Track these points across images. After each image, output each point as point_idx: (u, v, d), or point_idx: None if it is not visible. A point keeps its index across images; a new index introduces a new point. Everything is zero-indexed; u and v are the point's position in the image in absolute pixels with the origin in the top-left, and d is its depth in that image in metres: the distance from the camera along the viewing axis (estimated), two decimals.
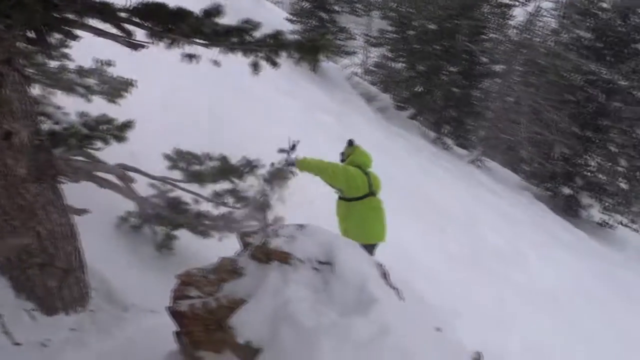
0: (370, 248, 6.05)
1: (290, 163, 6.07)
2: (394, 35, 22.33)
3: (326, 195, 6.84)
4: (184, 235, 6.24)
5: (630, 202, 22.14)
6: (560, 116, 19.79)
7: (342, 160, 6.71)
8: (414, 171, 14.71)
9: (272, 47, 4.05)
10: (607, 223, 21.44)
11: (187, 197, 5.99)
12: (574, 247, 17.86)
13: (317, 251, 3.53)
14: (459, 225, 13.27)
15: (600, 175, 20.49)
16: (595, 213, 21.29)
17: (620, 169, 20.60)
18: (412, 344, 2.43)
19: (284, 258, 3.54)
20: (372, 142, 14.48)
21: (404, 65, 22.70)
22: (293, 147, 6.22)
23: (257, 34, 4.02)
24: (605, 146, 20.59)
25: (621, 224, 21.91)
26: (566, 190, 21.28)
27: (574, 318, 12.88)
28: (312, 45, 4.06)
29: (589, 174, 20.57)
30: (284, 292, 3.18)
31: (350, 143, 6.72)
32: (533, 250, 15.03)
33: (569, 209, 21.71)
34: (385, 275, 3.63)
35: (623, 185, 20.74)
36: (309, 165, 6.11)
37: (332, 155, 11.62)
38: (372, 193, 6.30)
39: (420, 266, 10.15)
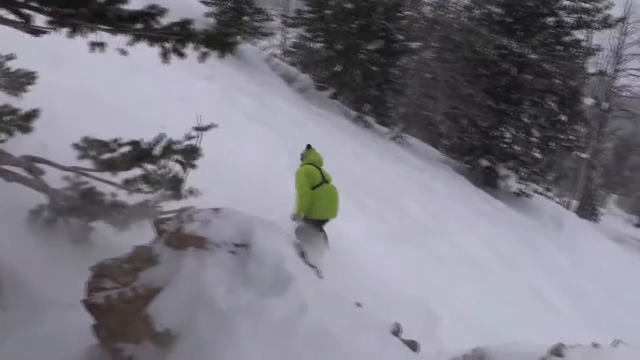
0: (322, 223, 8.10)
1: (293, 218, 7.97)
2: (311, 15, 22.21)
3: None
4: (100, 227, 6.01)
5: (545, 171, 23.05)
6: (476, 90, 20.28)
7: (302, 159, 8.63)
8: (337, 150, 14.73)
9: (179, 36, 3.90)
10: (524, 192, 22.23)
11: (101, 187, 5.77)
12: (494, 217, 18.43)
13: (233, 234, 3.46)
14: (384, 200, 13.42)
15: (515, 147, 21.16)
16: (513, 183, 22.02)
17: (533, 139, 21.36)
18: (330, 321, 2.41)
19: (200, 243, 3.47)
20: (293, 123, 14.46)
21: (322, 45, 22.64)
22: (207, 128, 6.30)
23: (165, 20, 3.87)
24: (519, 118, 21.28)
25: (536, 192, 22.78)
26: (484, 163, 21.89)
27: (497, 285, 13.32)
28: (220, 39, 3.95)
29: (504, 145, 21.20)
30: (200, 277, 3.11)
31: (309, 147, 8.72)
32: (456, 222, 15.42)
33: (487, 181, 22.39)
34: (302, 255, 3.60)
35: (537, 155, 21.53)
36: (301, 208, 7.91)
37: (250, 134, 11.53)
38: (325, 181, 8.05)
39: (349, 242, 10.20)
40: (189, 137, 5.86)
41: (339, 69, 21.57)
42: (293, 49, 31.65)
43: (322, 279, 3.75)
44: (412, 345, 3.08)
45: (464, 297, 11.09)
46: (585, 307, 17.25)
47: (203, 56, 4.06)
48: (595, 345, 5.32)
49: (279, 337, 2.37)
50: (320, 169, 8.17)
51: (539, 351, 5.05)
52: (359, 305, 3.68)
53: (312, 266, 3.54)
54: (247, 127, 12.03)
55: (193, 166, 5.83)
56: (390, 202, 13.47)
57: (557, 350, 5.03)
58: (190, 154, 5.69)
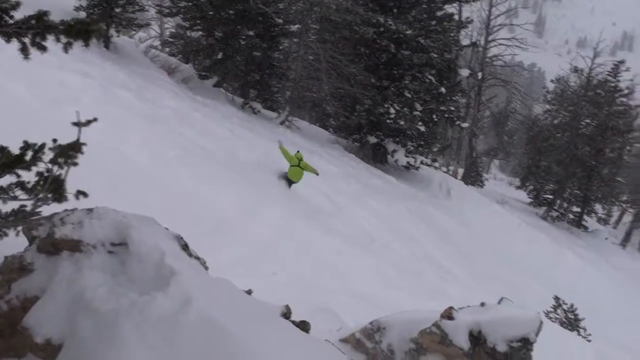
0: (291, 183, 13.62)
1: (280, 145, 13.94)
2: (187, 3, 21.68)
3: None
4: None
5: (430, 142, 23.84)
6: (358, 69, 20.60)
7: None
8: (225, 140, 14.55)
9: (36, 30, 3.65)
10: (412, 165, 22.91)
11: None
12: (386, 191, 18.87)
13: (109, 233, 3.33)
14: (278, 186, 13.40)
15: (400, 121, 21.70)
16: (401, 157, 22.62)
17: (417, 113, 21.99)
18: (216, 311, 2.35)
19: (74, 246, 3.30)
20: (178, 114, 14.11)
21: (201, 33, 22.20)
22: (86, 124, 5.97)
23: (19, 14, 3.60)
24: (402, 93, 21.84)
25: (424, 164, 23.54)
26: (372, 139, 22.36)
27: (393, 257, 13.67)
28: (81, 28, 3.72)
29: (390, 121, 21.69)
30: (78, 281, 2.96)
31: (298, 151, 14.02)
32: (349, 200, 15.66)
33: (377, 157, 22.89)
34: (185, 247, 3.50)
35: (421, 128, 22.21)
36: (286, 154, 13.61)
37: (134, 129, 11.15)
38: (299, 166, 13.40)
39: (247, 232, 10.13)
40: (67, 135, 5.51)
41: (220, 57, 21.24)
42: (172, 39, 30.82)
43: (208, 268, 3.64)
44: (303, 326, 3.07)
45: (362, 273, 11.30)
46: (477, 269, 18.10)
47: (66, 47, 3.81)
48: (483, 304, 5.57)
49: (163, 333, 2.28)
50: (299, 160, 13.44)
51: (432, 316, 5.23)
52: (249, 292, 3.62)
53: (197, 258, 3.44)
54: (129, 122, 11.61)
55: (75, 164, 5.49)
56: (282, 187, 13.47)
57: (447, 313, 5.23)
58: (69, 153, 5.35)
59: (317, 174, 14.13)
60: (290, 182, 13.57)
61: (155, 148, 10.93)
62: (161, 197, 8.79)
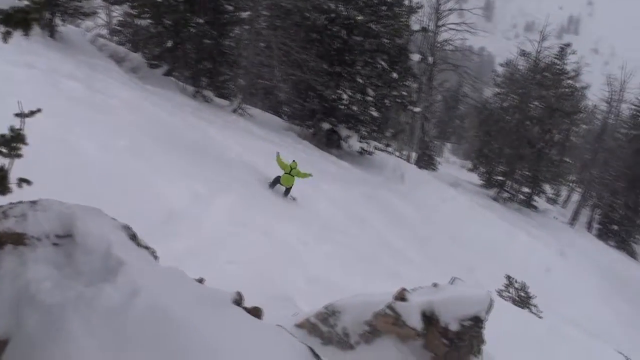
0: (288, 190, 14.75)
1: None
2: None
3: None
4: None
5: (383, 128, 24.02)
6: (310, 55, 20.57)
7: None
8: (176, 129, 14.39)
9: None
10: (366, 150, 23.07)
11: None
12: (340, 177, 18.96)
13: (54, 225, 3.26)
14: (237, 173, 13.36)
15: (353, 107, 21.80)
16: (355, 143, 22.75)
17: (369, 98, 22.13)
18: (165, 301, 2.34)
19: (18, 239, 3.22)
20: (127, 104, 13.88)
21: (149, 21, 21.80)
22: (29, 114, 5.84)
23: None
24: (354, 79, 21.93)
25: (378, 149, 23.74)
26: (326, 126, 22.41)
27: (349, 243, 13.79)
28: (20, 16, 3.64)
29: (343, 107, 21.77)
30: (23, 275, 2.89)
31: (293, 161, 14.94)
32: (304, 186, 15.68)
33: (331, 143, 22.97)
34: (133, 237, 3.47)
35: (374, 114, 22.36)
36: (280, 163, 14.61)
37: (82, 120, 10.93)
38: (289, 174, 14.43)
39: (201, 221, 10.08)
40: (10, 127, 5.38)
41: (170, 45, 20.93)
42: (120, 28, 30.24)
43: (158, 257, 3.63)
44: (255, 312, 3.09)
45: (318, 259, 11.38)
46: (432, 251, 18.39)
47: (5, 36, 3.71)
48: (435, 285, 5.69)
49: (112, 325, 2.26)
50: (290, 167, 14.59)
51: (386, 298, 5.32)
52: (200, 280, 3.62)
53: (146, 247, 3.42)
54: (77, 113, 11.37)
55: (18, 156, 5.36)
56: (237, 174, 13.43)
57: (400, 295, 5.33)
58: (12, 145, 5.22)
59: (311, 176, 15.35)
60: (286, 190, 14.87)
61: (104, 139, 10.74)
62: (111, 188, 8.67)
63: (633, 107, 43.67)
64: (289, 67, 20.63)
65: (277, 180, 14.77)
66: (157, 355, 2.01)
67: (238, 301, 3.06)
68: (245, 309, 2.99)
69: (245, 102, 22.39)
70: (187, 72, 21.98)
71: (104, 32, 30.14)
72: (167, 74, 21.69)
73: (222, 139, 15.76)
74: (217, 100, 22.26)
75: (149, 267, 2.93)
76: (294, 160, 14.87)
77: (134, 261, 2.70)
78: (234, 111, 21.13)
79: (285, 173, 14.53)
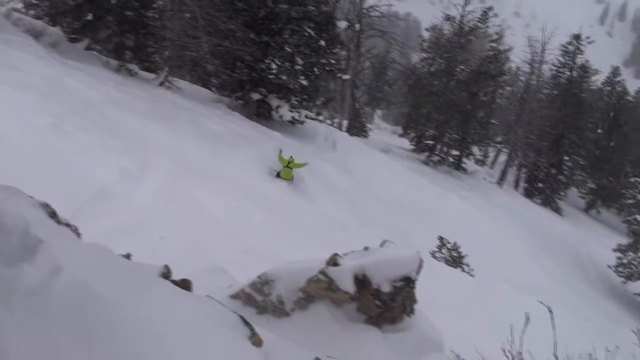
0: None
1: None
2: None
3: None
4: None
5: (313, 96, 24.00)
6: (236, 25, 20.24)
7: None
8: (99, 104, 13.98)
9: None
10: (297, 119, 23.03)
11: None
12: (271, 149, 18.90)
13: None
14: (160, 147, 13.13)
15: (282, 76, 21.67)
16: (286, 112, 22.66)
17: (298, 67, 22.03)
18: (89, 278, 2.30)
19: None
20: (49, 81, 13.39)
21: None
22: None
23: None
24: (282, 48, 21.76)
25: (309, 118, 23.73)
26: (255, 96, 22.23)
27: (285, 213, 13.86)
28: None
29: (272, 76, 21.62)
30: None
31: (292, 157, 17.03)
32: (236, 157, 15.60)
33: (261, 113, 22.83)
34: (53, 214, 3.39)
35: (304, 82, 22.30)
36: (280, 159, 16.72)
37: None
38: (287, 166, 16.39)
39: (131, 198, 9.92)
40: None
41: (90, 18, 20.18)
42: (35, 1, 28.91)
43: (80, 235, 3.57)
44: (184, 284, 3.09)
45: (254, 230, 11.40)
46: (367, 217, 18.66)
47: None
48: (366, 248, 5.80)
49: (33, 306, 2.22)
50: (288, 161, 16.64)
51: (318, 264, 5.38)
52: (127, 256, 3.59)
53: (67, 225, 3.35)
54: None
55: None
56: (166, 148, 13.21)
57: (332, 260, 5.40)
58: None
59: (308, 164, 17.61)
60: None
61: (24, 117, 10.36)
62: (33, 169, 8.41)
63: (553, 67, 45.17)
64: (215, 37, 20.25)
65: (278, 175, 16.66)
66: (79, 331, 1.99)
67: (166, 274, 3.04)
68: (174, 281, 2.98)
69: (172, 75, 21.93)
70: (110, 45, 21.28)
71: (19, 6, 28.79)
72: (89, 48, 20.94)
73: (149, 113, 15.42)
74: (143, 73, 21.71)
75: (71, 245, 2.87)
76: (291, 156, 17.01)
77: (53, 239, 2.63)
78: (161, 84, 20.68)
79: (283, 167, 16.59)
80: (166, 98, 18.76)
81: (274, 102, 22.57)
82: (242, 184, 14.16)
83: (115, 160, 10.88)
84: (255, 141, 18.64)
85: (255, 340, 2.75)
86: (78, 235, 3.36)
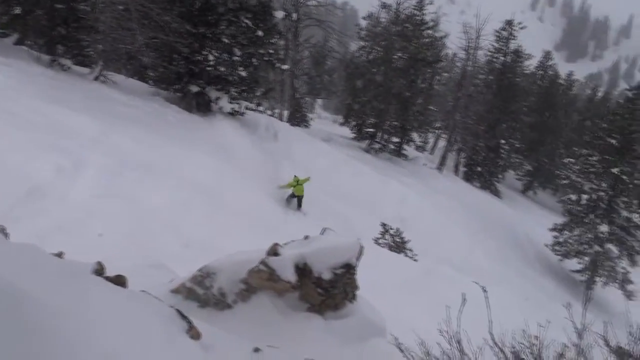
0: (300, 199, 18.53)
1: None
2: None
3: None
4: None
5: (252, 88, 23.86)
6: (172, 17, 19.90)
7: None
8: (31, 100, 13.58)
9: None
10: (237, 111, 22.86)
11: None
12: (210, 141, 18.77)
13: None
14: (96, 142, 12.85)
15: (220, 68, 21.46)
16: (225, 104, 22.45)
17: (236, 58, 21.85)
18: (18, 277, 2.25)
19: None
20: None
21: None
22: None
23: None
24: (219, 39, 21.52)
25: (249, 109, 23.59)
26: (194, 88, 21.93)
27: (223, 206, 13.78)
28: None
29: (210, 68, 21.38)
30: None
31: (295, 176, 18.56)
32: (175, 151, 15.42)
33: (200, 106, 22.56)
34: None
35: (242, 73, 22.13)
36: (287, 186, 18.46)
37: None
38: (299, 184, 18.20)
39: (66, 194, 9.70)
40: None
41: (18, 12, 19.50)
42: None
43: (8, 234, 3.49)
44: (118, 280, 3.06)
45: (195, 223, 11.32)
46: (309, 205, 18.73)
47: None
48: (306, 237, 5.86)
49: None
50: (297, 181, 18.24)
51: (259, 255, 5.41)
52: (59, 254, 3.53)
53: None
54: None
55: None
56: (102, 143, 12.94)
57: (273, 250, 5.44)
58: None
59: (309, 178, 18.99)
60: (299, 199, 18.45)
61: None
62: None
63: (488, 53, 46.15)
64: (150, 29, 19.84)
65: (292, 195, 18.33)
66: (8, 332, 1.96)
67: (99, 271, 3.01)
68: (107, 278, 2.95)
69: (107, 69, 21.42)
70: (41, 40, 20.64)
71: None
72: (18, 43, 20.26)
73: (82, 107, 15.03)
74: (76, 68, 21.13)
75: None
76: (295, 175, 18.66)
77: None
78: (96, 79, 20.19)
79: (294, 187, 18.28)
80: (101, 93, 18.35)
81: (213, 94, 22.32)
82: (182, 176, 14.00)
83: (49, 157, 10.60)
84: (195, 133, 18.46)
85: (193, 333, 2.75)
86: (5, 235, 3.29)
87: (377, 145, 38.07)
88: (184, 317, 2.77)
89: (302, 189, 18.30)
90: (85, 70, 21.26)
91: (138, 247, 8.42)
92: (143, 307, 2.62)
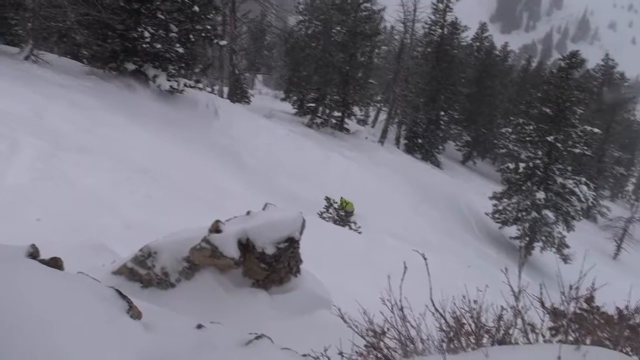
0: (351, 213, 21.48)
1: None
2: None
3: None
4: None
5: (191, 64, 23.47)
6: None
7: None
8: None
9: None
10: (176, 89, 22.42)
11: None
12: (152, 119, 18.46)
13: None
14: (31, 126, 12.43)
15: (157, 45, 21.00)
16: (163, 82, 21.98)
17: (173, 34, 21.42)
18: None
19: None
20: None
21: None
22: None
23: None
24: (155, 15, 21.03)
25: (188, 86, 23.19)
26: (131, 66, 21.43)
27: (170, 185, 13.61)
28: None
29: (146, 45, 20.90)
30: None
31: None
32: (115, 131, 15.10)
33: (138, 84, 22.07)
34: None
35: (180, 50, 21.72)
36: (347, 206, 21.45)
37: None
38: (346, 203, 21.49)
39: (5, 178, 9.40)
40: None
41: None
42: None
43: None
44: (54, 263, 3.00)
45: (136, 203, 11.13)
46: (253, 182, 18.69)
47: None
48: (248, 213, 5.85)
49: None
50: (347, 203, 21.17)
51: (202, 233, 5.38)
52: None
53: None
54: None
55: None
56: (34, 126, 12.52)
57: (215, 227, 5.42)
58: None
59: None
60: (350, 213, 21.16)
61: None
62: None
63: (426, 26, 46.61)
64: (82, 6, 19.21)
65: (346, 213, 20.91)
66: None
67: (33, 254, 2.94)
68: (42, 261, 2.89)
69: (38, 48, 20.67)
70: None
71: None
72: None
73: (12, 89, 14.50)
74: (4, 47, 20.35)
75: None
76: (341, 197, 21.43)
77: None
78: (26, 58, 19.45)
79: (347, 205, 21.27)
80: (33, 73, 17.72)
81: (151, 71, 21.85)
82: (121, 156, 13.72)
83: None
84: (133, 112, 18.09)
85: (134, 312, 2.73)
86: None
87: (319, 120, 38.16)
88: (123, 296, 2.74)
89: (352, 206, 21.47)
90: (15, 50, 20.47)
91: (77, 231, 8.22)
92: (81, 289, 2.58)
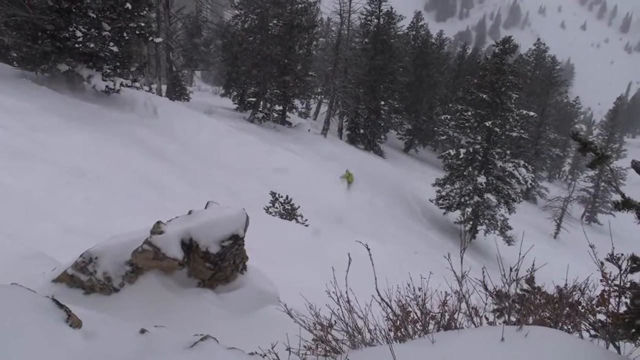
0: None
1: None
2: None
3: None
4: None
5: (127, 63, 22.96)
6: None
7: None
8: None
9: None
10: (112, 89, 21.91)
11: None
12: (89, 121, 18.04)
13: None
14: None
15: (90, 44, 20.46)
16: (99, 82, 21.46)
17: (106, 33, 20.91)
18: None
19: None
20: None
21: None
22: None
23: None
24: (86, 14, 20.48)
25: (125, 85, 22.70)
26: (63, 67, 20.82)
27: (109, 186, 13.31)
28: None
29: (78, 45, 20.33)
30: None
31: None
32: (51, 135, 14.68)
33: (72, 85, 21.49)
34: None
35: (114, 49, 21.24)
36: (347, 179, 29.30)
37: None
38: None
39: None
40: None
41: None
42: None
43: None
44: None
45: (74, 207, 10.85)
46: (196, 180, 18.49)
47: None
48: (190, 212, 5.77)
49: None
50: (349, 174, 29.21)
51: (143, 235, 5.28)
52: None
53: None
54: None
55: None
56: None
57: (156, 229, 5.33)
58: None
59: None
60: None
61: None
62: None
63: (362, 16, 46.84)
64: (8, 7, 18.59)
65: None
66: None
67: None
68: None
69: None
70: None
71: None
72: None
73: None
74: None
75: None
76: (347, 170, 28.45)
77: None
78: None
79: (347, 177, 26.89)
80: None
81: (85, 72, 21.28)
82: (57, 160, 13.34)
83: None
84: (68, 114, 17.61)
85: (73, 321, 2.65)
86: None
87: (260, 115, 37.97)
88: (61, 306, 2.65)
89: (351, 177, 27.46)
90: None
91: (13, 239, 7.94)
92: (13, 299, 2.49)
